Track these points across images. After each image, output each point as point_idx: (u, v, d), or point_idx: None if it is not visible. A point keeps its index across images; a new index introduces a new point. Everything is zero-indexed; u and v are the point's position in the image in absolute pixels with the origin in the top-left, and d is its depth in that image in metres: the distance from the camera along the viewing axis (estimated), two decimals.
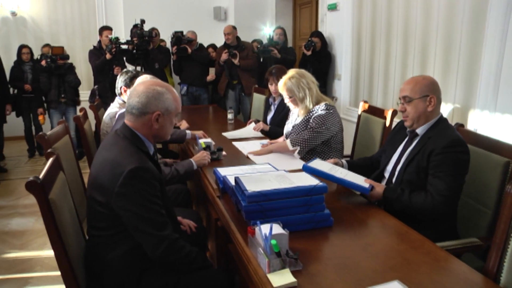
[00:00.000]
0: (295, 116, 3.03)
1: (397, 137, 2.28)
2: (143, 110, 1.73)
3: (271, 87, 3.64)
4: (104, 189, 1.64)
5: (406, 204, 1.96)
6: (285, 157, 2.76)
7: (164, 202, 1.73)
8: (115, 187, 1.59)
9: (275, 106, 3.68)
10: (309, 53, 5.09)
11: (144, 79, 2.79)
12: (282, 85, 2.90)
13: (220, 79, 5.81)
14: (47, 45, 6.16)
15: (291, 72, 2.92)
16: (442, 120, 2.09)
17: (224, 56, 5.46)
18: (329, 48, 5.40)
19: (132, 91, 1.78)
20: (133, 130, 1.75)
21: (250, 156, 2.76)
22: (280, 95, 3.45)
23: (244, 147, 3.00)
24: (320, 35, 5.32)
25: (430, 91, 2.04)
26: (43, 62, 5.29)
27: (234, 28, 5.60)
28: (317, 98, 2.87)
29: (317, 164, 2.14)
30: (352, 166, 2.40)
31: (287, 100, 2.93)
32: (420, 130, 2.10)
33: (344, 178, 2.03)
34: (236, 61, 5.42)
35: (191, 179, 3.11)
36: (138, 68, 5.24)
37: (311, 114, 2.84)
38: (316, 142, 2.76)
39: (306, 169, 2.07)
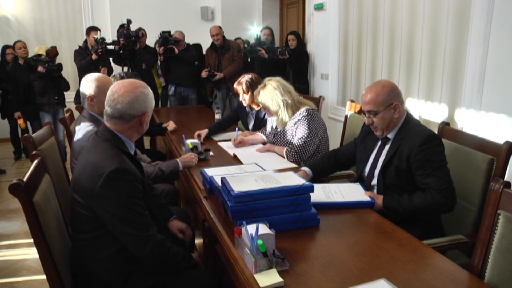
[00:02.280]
0: (275, 122, 3.00)
1: (368, 140, 2.28)
2: (134, 114, 1.72)
3: (241, 97, 3.46)
4: (85, 191, 1.63)
5: (408, 208, 1.95)
6: (272, 157, 2.76)
7: (148, 203, 1.72)
8: (95, 188, 1.58)
9: (254, 115, 3.61)
10: (286, 57, 5.20)
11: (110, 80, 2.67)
12: (257, 97, 2.87)
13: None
14: (18, 41, 5.96)
15: (265, 82, 2.87)
16: (409, 119, 2.11)
17: (204, 74, 5.51)
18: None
19: (115, 96, 1.71)
20: (114, 132, 1.73)
21: (238, 156, 2.75)
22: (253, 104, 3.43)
23: (230, 147, 2.99)
24: (295, 33, 5.43)
25: (392, 98, 2.04)
26: (40, 69, 5.09)
27: (221, 28, 5.62)
28: (295, 106, 2.82)
29: None
30: (317, 173, 2.36)
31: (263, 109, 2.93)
32: (391, 135, 2.12)
33: (346, 200, 1.97)
34: (216, 78, 5.52)
35: (176, 179, 3.10)
36: (125, 69, 5.20)
37: (292, 121, 2.81)
38: (310, 150, 2.73)
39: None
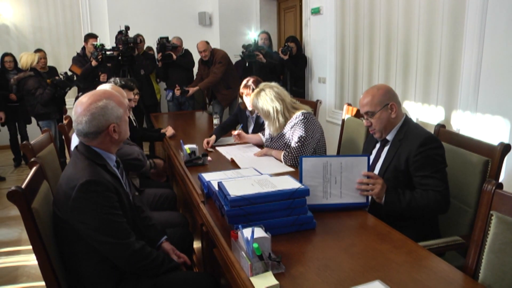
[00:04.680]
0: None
1: (370, 143, 2.32)
2: (97, 131, 1.69)
3: (247, 100, 3.37)
4: (62, 205, 1.64)
5: (409, 199, 1.94)
6: (269, 161, 2.78)
7: (126, 212, 1.73)
8: (69, 201, 1.58)
9: (254, 119, 3.62)
10: (286, 57, 5.23)
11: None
12: (250, 102, 2.90)
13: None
14: (39, 50, 6.01)
15: (259, 88, 2.89)
16: (408, 121, 2.13)
17: (177, 93, 5.52)
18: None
19: (75, 117, 1.70)
20: (89, 146, 1.73)
21: (236, 160, 2.77)
22: None
23: (228, 152, 3.01)
24: (295, 39, 5.48)
25: (388, 99, 2.08)
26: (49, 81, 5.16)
27: (208, 43, 5.56)
28: (288, 112, 2.82)
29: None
30: None
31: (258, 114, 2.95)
32: (389, 136, 2.14)
33: (341, 202, 1.95)
34: (189, 94, 5.52)
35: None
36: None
37: (289, 125, 2.83)
38: (308, 154, 2.73)
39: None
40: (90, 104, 1.68)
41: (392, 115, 2.08)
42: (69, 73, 5.27)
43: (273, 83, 2.93)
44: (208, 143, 3.27)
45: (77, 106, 1.70)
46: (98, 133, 1.70)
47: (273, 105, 2.79)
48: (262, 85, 2.92)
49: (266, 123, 2.96)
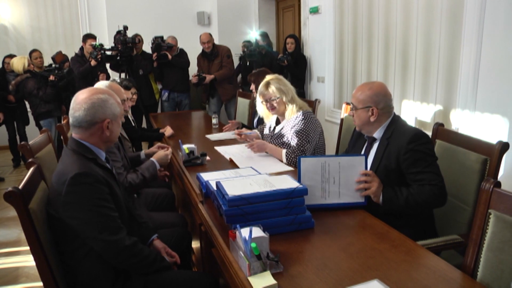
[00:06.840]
0: (273, 123, 3.05)
1: (358, 141, 2.32)
2: (92, 121, 1.71)
3: (254, 89, 3.53)
4: (54, 202, 1.63)
5: (406, 195, 1.93)
6: (268, 161, 2.77)
7: (121, 204, 1.72)
8: (61, 197, 1.58)
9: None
10: (285, 64, 5.24)
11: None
12: (265, 86, 2.87)
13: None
14: (35, 50, 6.03)
15: (272, 76, 2.94)
16: (395, 119, 2.13)
17: (194, 80, 5.56)
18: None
19: (74, 105, 1.72)
20: (79, 141, 1.73)
21: (234, 160, 2.76)
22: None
23: (227, 152, 3.01)
24: (294, 37, 5.50)
25: (372, 102, 2.07)
26: (52, 77, 5.22)
27: (211, 35, 5.67)
28: (297, 103, 2.87)
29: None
30: None
31: (265, 104, 2.93)
32: (377, 134, 2.14)
33: (340, 202, 1.95)
34: (206, 80, 5.57)
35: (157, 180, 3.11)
36: (123, 75, 5.23)
37: (289, 124, 2.84)
38: (308, 152, 2.74)
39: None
40: (93, 94, 1.72)
41: (371, 119, 2.09)
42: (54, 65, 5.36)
43: (279, 76, 2.99)
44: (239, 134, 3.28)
45: (78, 96, 1.73)
46: (93, 124, 1.71)
47: (287, 88, 2.86)
48: (270, 76, 2.97)
49: (274, 114, 2.99)
